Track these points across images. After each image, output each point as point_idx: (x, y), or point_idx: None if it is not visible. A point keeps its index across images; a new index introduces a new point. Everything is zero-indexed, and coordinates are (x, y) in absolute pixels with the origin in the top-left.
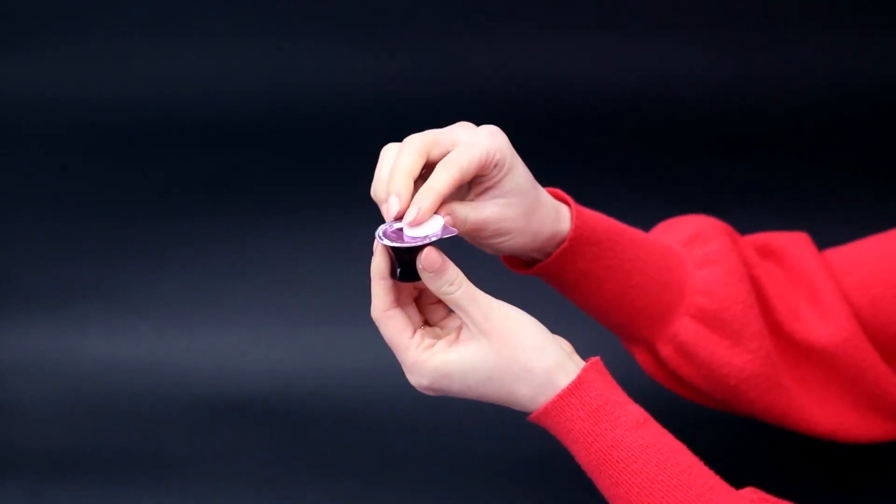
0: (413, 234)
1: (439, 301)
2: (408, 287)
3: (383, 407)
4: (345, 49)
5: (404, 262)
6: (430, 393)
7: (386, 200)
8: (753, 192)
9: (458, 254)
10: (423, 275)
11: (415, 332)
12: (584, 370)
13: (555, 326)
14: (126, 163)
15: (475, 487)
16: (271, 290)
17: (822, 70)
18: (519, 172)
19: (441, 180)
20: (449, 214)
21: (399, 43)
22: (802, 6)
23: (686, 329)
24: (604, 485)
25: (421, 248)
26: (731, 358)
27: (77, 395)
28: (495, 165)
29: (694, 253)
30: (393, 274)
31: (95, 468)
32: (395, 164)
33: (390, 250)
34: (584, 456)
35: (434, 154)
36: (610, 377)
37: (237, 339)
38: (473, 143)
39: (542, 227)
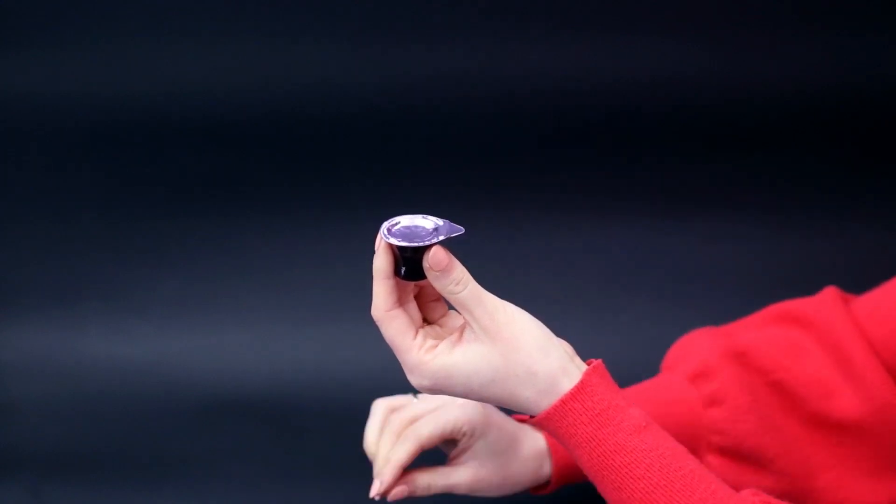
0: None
1: (439, 298)
2: (409, 284)
3: None
4: (345, 49)
5: (409, 261)
6: (431, 394)
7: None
8: (754, 192)
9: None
10: (429, 274)
11: (417, 332)
12: (587, 374)
13: (554, 326)
14: (126, 162)
15: None
16: (271, 290)
17: (822, 70)
18: (492, 438)
19: (399, 454)
20: (406, 484)
21: (399, 43)
22: (802, 6)
23: (712, 465)
24: (607, 489)
25: (428, 246)
26: (759, 482)
27: (77, 395)
28: (463, 434)
29: (701, 391)
30: (397, 272)
31: (95, 468)
32: (393, 460)
33: (395, 248)
34: (587, 460)
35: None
36: (612, 381)
37: (237, 339)
38: (436, 415)
39: (520, 480)
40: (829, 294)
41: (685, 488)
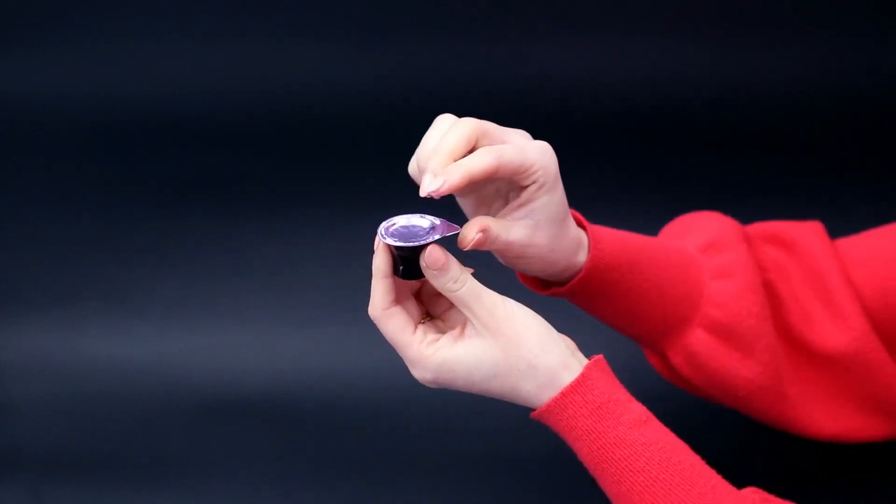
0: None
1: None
2: (408, 282)
3: (383, 406)
4: (345, 49)
5: (407, 260)
6: (433, 386)
7: (420, 176)
8: (754, 192)
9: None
10: (426, 272)
11: (416, 327)
12: (588, 368)
13: (557, 324)
14: (126, 163)
15: (475, 486)
16: (271, 290)
17: (822, 70)
18: (556, 199)
19: (476, 162)
20: (482, 231)
21: (399, 43)
22: (803, 6)
23: (698, 340)
24: (606, 483)
25: (424, 245)
26: (740, 370)
27: (77, 395)
28: (534, 182)
29: (710, 262)
30: (395, 272)
31: (95, 468)
32: (440, 143)
33: (393, 248)
34: (587, 453)
35: (481, 144)
36: (613, 375)
37: (237, 339)
38: (522, 148)
39: (559, 259)
40: (816, 227)
41: (684, 482)
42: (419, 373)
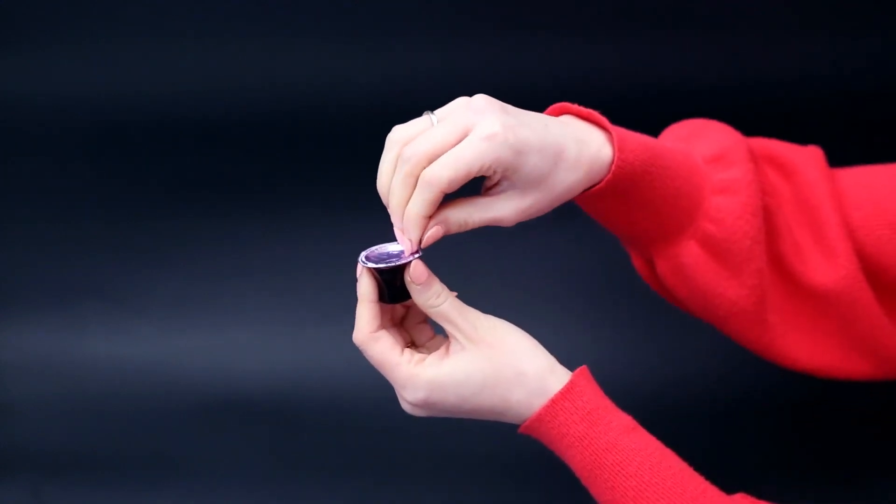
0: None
1: (424, 320)
2: (392, 311)
3: (383, 406)
4: (344, 49)
5: (390, 284)
6: (422, 412)
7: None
8: None
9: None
10: (411, 288)
11: (402, 350)
12: (575, 375)
13: (539, 337)
14: (126, 162)
15: (475, 487)
16: (271, 290)
17: (822, 70)
18: (532, 163)
19: (417, 206)
20: (439, 224)
21: (399, 43)
22: (803, 6)
23: (689, 252)
24: (598, 490)
25: (405, 265)
26: (725, 290)
27: (77, 395)
28: (494, 172)
29: (715, 176)
30: (382, 297)
31: (95, 468)
32: (411, 212)
33: (376, 273)
34: (579, 461)
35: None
36: (597, 385)
37: (237, 339)
38: (459, 153)
39: (572, 188)
40: (816, 153)
41: (676, 487)
42: (410, 394)
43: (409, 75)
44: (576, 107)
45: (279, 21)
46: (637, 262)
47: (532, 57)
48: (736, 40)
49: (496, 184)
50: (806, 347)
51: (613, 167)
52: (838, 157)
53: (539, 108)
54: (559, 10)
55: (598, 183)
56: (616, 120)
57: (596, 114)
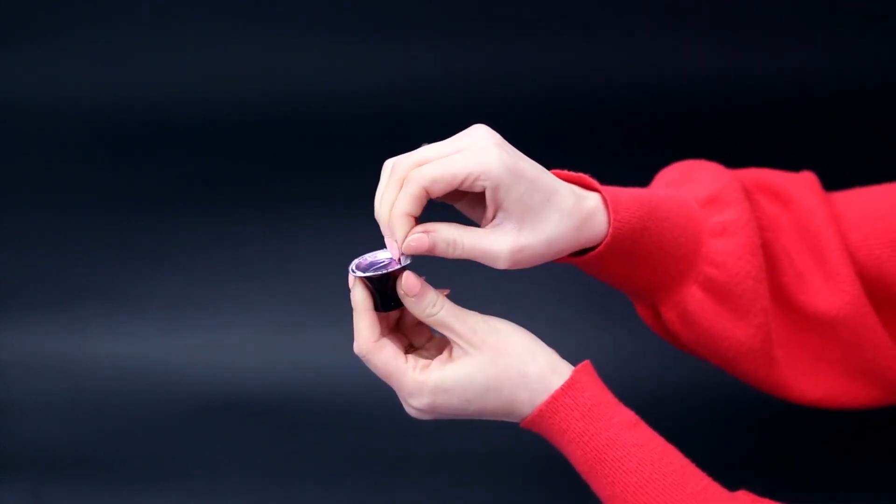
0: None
1: (421, 322)
2: (387, 316)
3: (383, 406)
4: (344, 49)
5: (382, 292)
6: (427, 416)
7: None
8: None
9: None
10: (405, 300)
11: (406, 356)
12: (576, 371)
13: (540, 336)
14: (126, 163)
15: (475, 487)
16: (271, 290)
17: (822, 69)
18: (523, 190)
19: (402, 201)
20: (425, 232)
21: (399, 43)
22: (803, 6)
23: (693, 298)
24: (599, 485)
25: (397, 271)
26: (732, 331)
27: (77, 395)
28: (480, 184)
29: (711, 219)
30: (376, 307)
31: (95, 468)
32: (395, 209)
33: (367, 282)
34: (580, 456)
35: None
36: (600, 380)
37: (237, 339)
38: (449, 159)
39: (566, 240)
40: (810, 178)
41: (677, 483)
42: (416, 400)
43: (409, 75)
44: (565, 172)
45: (279, 21)
46: (641, 311)
47: (532, 57)
48: (736, 40)
49: (492, 218)
50: (812, 379)
51: (611, 229)
52: (838, 157)
53: (539, 107)
54: (559, 10)
55: (596, 245)
56: (616, 120)
57: (586, 177)
